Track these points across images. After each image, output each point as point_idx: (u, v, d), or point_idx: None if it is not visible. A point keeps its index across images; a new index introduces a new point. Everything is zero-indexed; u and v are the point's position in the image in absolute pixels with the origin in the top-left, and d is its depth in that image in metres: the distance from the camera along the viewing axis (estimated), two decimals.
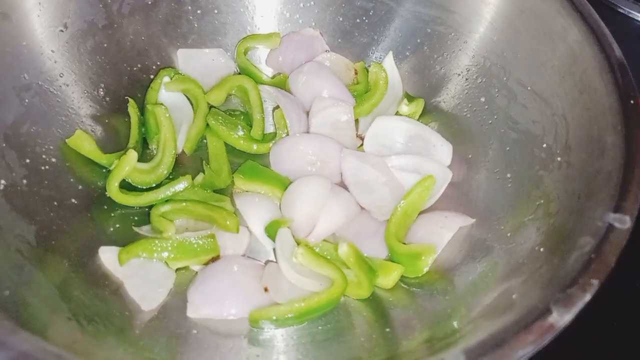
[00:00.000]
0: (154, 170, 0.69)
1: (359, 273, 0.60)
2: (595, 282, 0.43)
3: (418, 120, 0.77)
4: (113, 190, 0.66)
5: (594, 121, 0.57)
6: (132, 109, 0.73)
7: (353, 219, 0.67)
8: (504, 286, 0.52)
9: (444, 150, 0.73)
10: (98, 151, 0.68)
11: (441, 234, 0.65)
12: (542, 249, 0.53)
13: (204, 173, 0.69)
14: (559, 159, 0.60)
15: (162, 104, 0.73)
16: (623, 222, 0.47)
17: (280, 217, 0.66)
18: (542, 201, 0.59)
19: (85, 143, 0.68)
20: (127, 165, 0.67)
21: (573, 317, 0.42)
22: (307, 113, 0.77)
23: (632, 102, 0.55)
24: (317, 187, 0.66)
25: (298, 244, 0.63)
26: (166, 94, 0.76)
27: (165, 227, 0.63)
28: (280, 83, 0.81)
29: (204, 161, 0.72)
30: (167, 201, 0.66)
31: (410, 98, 0.79)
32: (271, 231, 0.64)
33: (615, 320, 0.70)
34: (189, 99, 0.78)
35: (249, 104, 0.76)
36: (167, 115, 0.71)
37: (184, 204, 0.65)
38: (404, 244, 0.65)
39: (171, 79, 0.77)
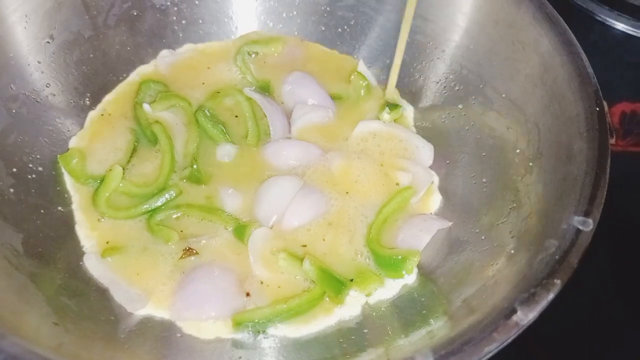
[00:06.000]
0: (152, 184, 0.70)
1: (324, 287, 0.61)
2: (559, 282, 0.45)
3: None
4: (101, 207, 0.67)
5: (563, 128, 0.60)
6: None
7: (321, 216, 0.69)
8: (477, 287, 0.54)
9: (425, 152, 0.76)
10: (81, 171, 0.69)
11: (420, 237, 0.67)
12: (512, 251, 0.56)
13: (191, 167, 0.71)
14: (531, 164, 0.63)
15: (157, 121, 0.74)
16: (586, 225, 0.49)
17: (247, 220, 0.68)
18: (514, 205, 0.62)
19: (72, 161, 0.69)
20: (114, 182, 0.68)
21: (537, 315, 0.44)
22: None
23: (597, 109, 0.57)
24: (285, 184, 0.69)
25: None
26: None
27: (169, 236, 0.64)
28: (265, 87, 0.82)
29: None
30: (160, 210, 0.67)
31: (392, 106, 0.81)
32: (238, 234, 0.66)
33: (592, 319, 0.72)
34: None
35: (242, 114, 0.78)
36: (164, 133, 0.73)
37: (180, 212, 0.67)
38: (388, 248, 0.67)
39: (155, 98, 0.77)
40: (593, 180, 0.52)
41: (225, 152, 0.74)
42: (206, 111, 0.76)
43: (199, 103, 0.78)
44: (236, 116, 0.77)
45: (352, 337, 0.58)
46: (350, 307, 0.62)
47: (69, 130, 0.72)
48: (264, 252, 0.65)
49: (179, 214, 0.68)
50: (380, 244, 0.66)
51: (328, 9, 0.84)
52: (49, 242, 0.62)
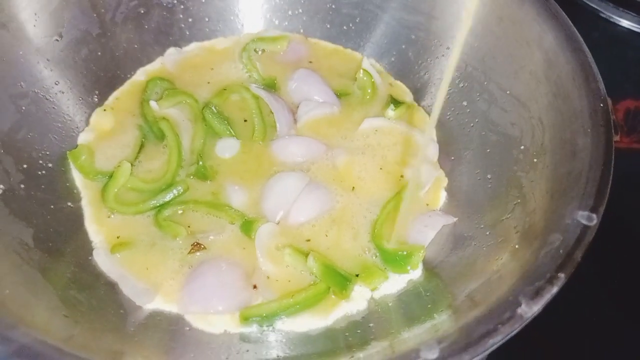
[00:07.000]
0: (159, 179, 0.70)
1: (328, 283, 0.62)
2: (563, 276, 0.46)
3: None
4: (110, 202, 0.68)
5: (567, 124, 0.60)
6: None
7: (326, 212, 0.70)
8: (481, 281, 0.55)
9: (430, 148, 0.76)
10: (90, 167, 0.70)
11: (425, 233, 0.68)
12: (517, 246, 0.56)
13: (197, 164, 0.71)
14: (535, 160, 0.63)
15: (164, 118, 0.75)
16: (590, 220, 0.49)
17: (254, 216, 0.68)
18: (519, 201, 0.62)
19: (81, 157, 0.70)
20: (122, 178, 0.68)
21: (541, 309, 0.44)
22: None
23: (602, 105, 0.58)
24: (292, 180, 0.70)
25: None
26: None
27: (177, 232, 0.65)
28: (271, 84, 0.83)
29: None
30: (167, 205, 0.68)
31: (396, 103, 0.82)
32: (245, 230, 0.67)
33: (592, 318, 0.72)
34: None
35: (248, 111, 0.78)
36: (171, 129, 0.74)
37: (187, 207, 0.68)
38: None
39: (161, 96, 0.78)
40: (598, 175, 0.52)
41: (226, 145, 0.75)
42: (213, 108, 0.77)
43: (205, 100, 0.79)
44: (245, 120, 0.78)
45: (358, 331, 0.58)
46: (356, 302, 0.62)
47: (77, 127, 0.73)
48: (270, 248, 0.65)
49: (187, 208, 0.68)
50: (385, 240, 0.66)
51: (333, 6, 0.85)
52: (58, 237, 0.63)
